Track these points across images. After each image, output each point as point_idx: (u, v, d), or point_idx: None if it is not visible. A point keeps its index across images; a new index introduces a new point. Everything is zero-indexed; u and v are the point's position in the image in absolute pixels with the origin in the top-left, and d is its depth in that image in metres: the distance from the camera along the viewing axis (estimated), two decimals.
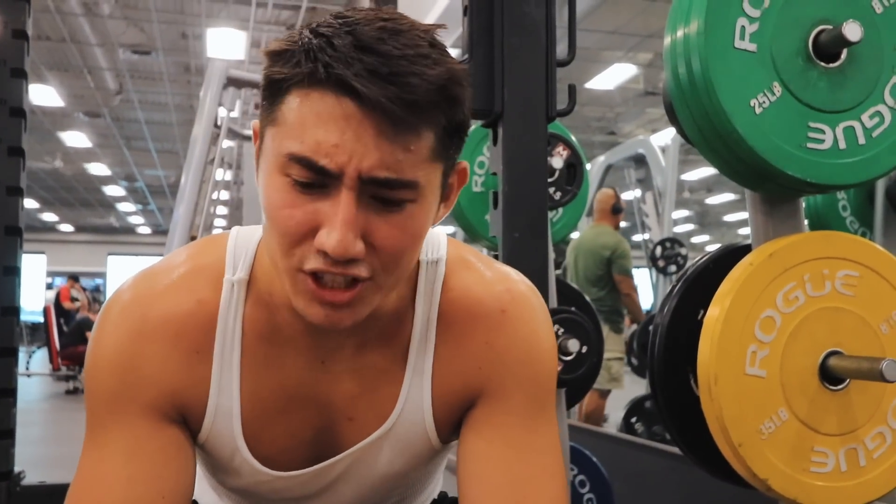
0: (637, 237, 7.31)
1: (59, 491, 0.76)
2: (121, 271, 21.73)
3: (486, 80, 1.40)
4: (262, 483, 0.85)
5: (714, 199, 16.52)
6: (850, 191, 1.92)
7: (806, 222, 1.36)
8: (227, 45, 8.34)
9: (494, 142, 1.50)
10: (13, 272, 2.06)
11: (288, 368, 0.81)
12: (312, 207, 0.67)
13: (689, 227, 19.44)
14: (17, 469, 2.10)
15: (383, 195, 0.67)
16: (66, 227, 22.77)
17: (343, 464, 0.85)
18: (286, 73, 0.66)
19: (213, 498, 0.98)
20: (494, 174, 1.49)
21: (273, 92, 0.68)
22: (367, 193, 0.67)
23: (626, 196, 6.00)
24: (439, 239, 0.87)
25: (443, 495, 1.05)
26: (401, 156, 0.66)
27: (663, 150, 6.20)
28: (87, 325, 9.33)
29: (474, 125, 2.40)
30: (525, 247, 1.41)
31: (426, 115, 0.66)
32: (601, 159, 6.72)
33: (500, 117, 1.44)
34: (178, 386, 0.79)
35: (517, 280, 0.86)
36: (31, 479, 2.16)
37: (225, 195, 11.65)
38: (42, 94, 10.04)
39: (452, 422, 0.85)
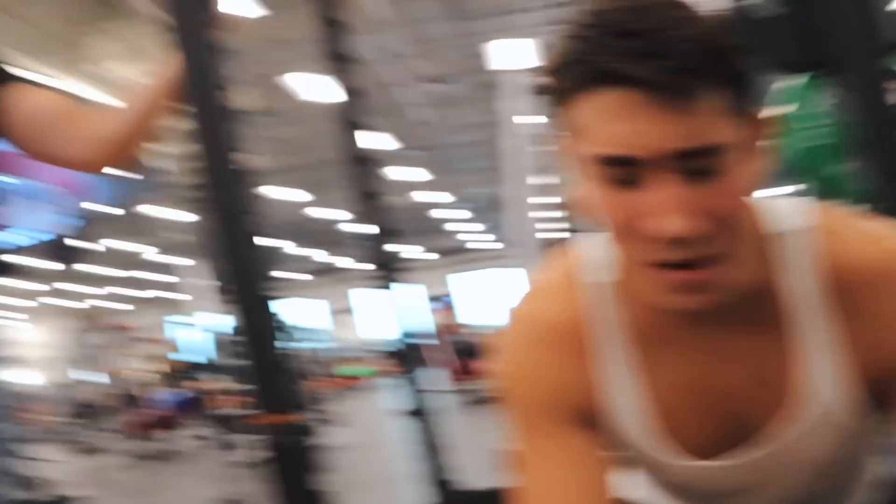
0: None
1: (488, 495, 0.90)
2: (462, 287, 23.38)
3: (814, 28, 1.30)
4: (690, 475, 0.86)
5: None
6: None
7: None
8: (514, 55, 8.76)
9: (841, 89, 1.39)
10: (408, 302, 2.44)
11: (681, 362, 0.82)
12: (633, 201, 0.69)
13: None
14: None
15: (695, 166, 0.67)
16: (419, 255, 25.08)
17: (763, 452, 0.83)
18: (562, 85, 0.70)
19: (658, 498, 0.98)
20: (835, 125, 1.43)
21: (559, 106, 0.71)
22: (679, 171, 0.67)
23: None
24: (795, 208, 0.82)
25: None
26: (695, 123, 0.66)
27: None
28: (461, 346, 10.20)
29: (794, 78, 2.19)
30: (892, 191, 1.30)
31: (702, 76, 0.66)
32: None
33: (837, 63, 1.33)
34: (575, 388, 0.84)
35: None
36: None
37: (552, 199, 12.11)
38: (379, 140, 11.32)
39: (880, 396, 0.80)
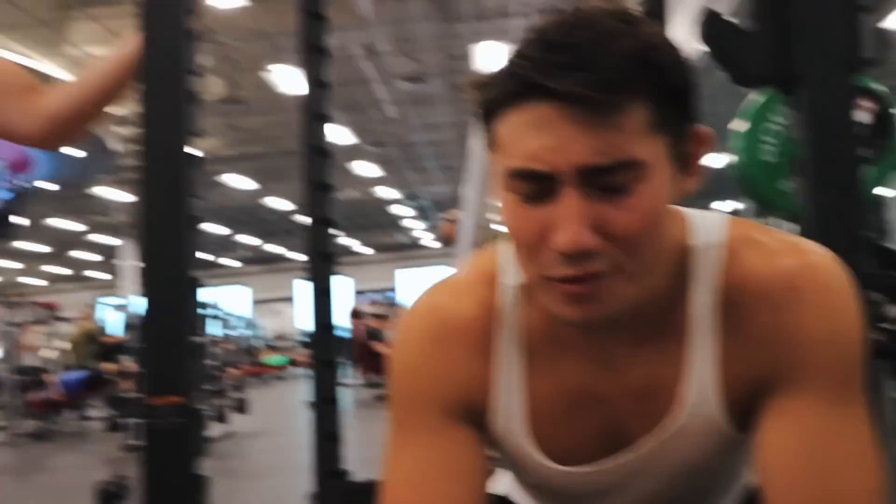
0: None
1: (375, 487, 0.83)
2: (409, 283, 23.40)
3: (781, 43, 1.32)
4: (554, 479, 0.86)
5: None
6: None
7: None
8: (493, 59, 8.64)
9: (792, 106, 1.40)
10: (327, 294, 2.32)
11: (569, 369, 0.82)
12: (541, 215, 0.68)
13: None
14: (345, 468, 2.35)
15: (605, 182, 0.66)
16: (366, 250, 24.99)
17: (634, 459, 0.83)
18: (491, 99, 0.69)
19: (522, 496, 0.99)
20: (793, 140, 1.40)
21: (487, 120, 0.70)
22: (589, 186, 0.66)
23: None
24: (715, 222, 0.81)
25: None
26: (612, 138, 0.65)
27: None
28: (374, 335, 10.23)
29: (756, 92, 2.27)
30: (835, 213, 1.32)
31: (627, 90, 0.64)
32: None
33: (798, 81, 1.34)
34: (467, 385, 0.82)
35: (810, 251, 0.77)
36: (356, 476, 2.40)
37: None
38: (338, 133, 11.12)
39: (747, 410, 0.79)
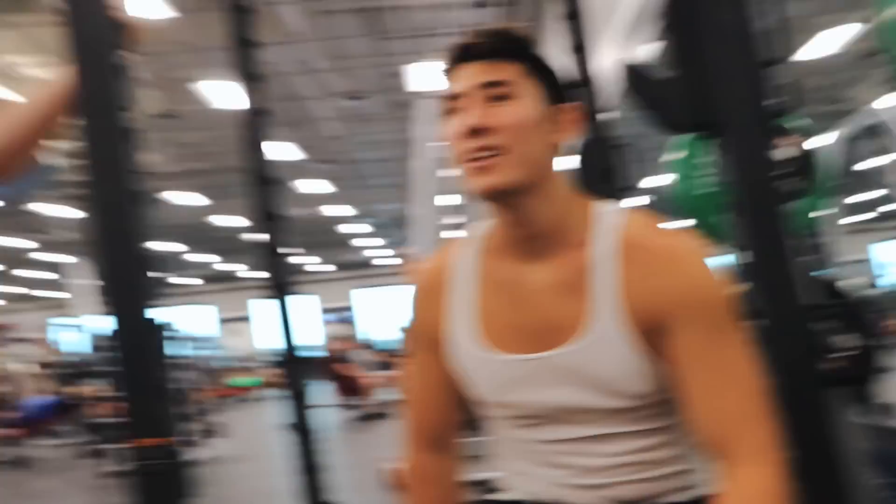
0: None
1: None
2: (364, 302, 23.25)
3: (700, 92, 1.38)
4: (497, 371, 1.15)
5: None
6: None
7: None
8: (428, 77, 8.80)
9: (718, 152, 1.45)
10: (286, 319, 2.41)
11: (508, 273, 1.15)
12: (461, 120, 1.09)
13: None
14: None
15: (493, 93, 1.08)
16: (325, 268, 24.84)
17: (557, 356, 1.11)
18: (446, 66, 1.15)
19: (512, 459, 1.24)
20: (721, 182, 1.46)
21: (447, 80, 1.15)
22: (482, 96, 1.09)
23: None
24: (611, 203, 1.16)
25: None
26: (498, 72, 1.09)
27: None
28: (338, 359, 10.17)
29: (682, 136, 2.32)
30: (769, 249, 1.36)
31: (508, 55, 1.11)
32: (838, 133, 6.12)
33: (720, 127, 1.39)
34: (429, 321, 1.22)
35: (686, 237, 1.11)
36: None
37: (455, 220, 12.17)
38: (284, 150, 11.10)
39: (646, 337, 1.07)
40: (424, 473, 1.29)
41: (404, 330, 1.30)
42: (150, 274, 1.44)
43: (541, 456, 1.15)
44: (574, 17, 2.52)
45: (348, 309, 24.02)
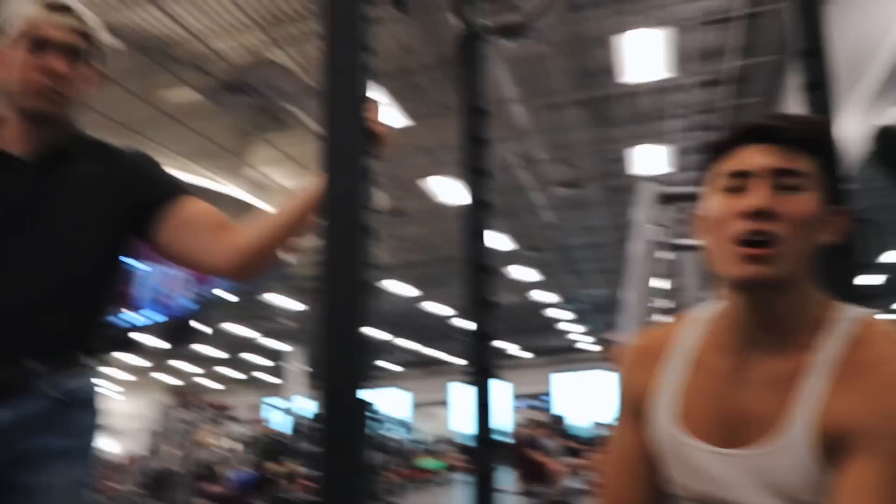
0: None
1: None
2: (565, 387, 22.82)
3: None
4: (687, 455, 1.09)
5: None
6: None
7: None
8: (650, 161, 8.57)
9: None
10: (485, 407, 2.35)
11: (717, 374, 1.09)
12: (738, 201, 1.02)
13: None
14: None
15: (783, 182, 1.02)
16: (522, 353, 24.77)
17: (742, 458, 1.04)
18: (725, 141, 1.09)
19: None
20: None
21: (712, 158, 1.10)
22: (771, 182, 1.02)
23: None
24: (859, 310, 1.07)
25: None
26: (789, 160, 1.03)
27: None
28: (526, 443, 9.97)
29: None
30: None
31: (801, 148, 1.04)
32: None
33: None
34: (642, 385, 1.16)
35: None
36: None
37: (665, 303, 11.74)
38: (496, 240, 11.30)
39: (833, 453, 0.98)
40: None
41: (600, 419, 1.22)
42: (365, 357, 1.46)
43: None
44: (817, 88, 2.24)
45: (544, 395, 23.63)
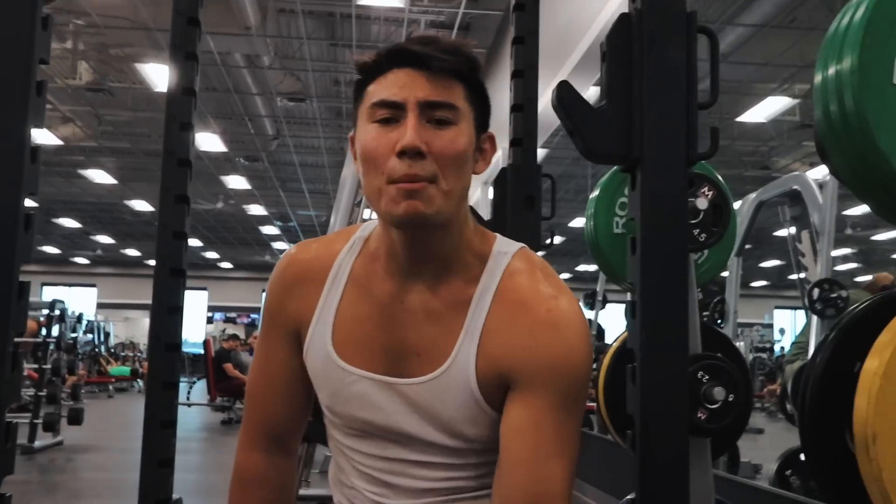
0: (793, 276, 6.90)
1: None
2: None
3: (624, 124, 1.35)
4: (342, 380, 1.08)
5: (882, 236, 15.38)
6: None
7: None
8: None
9: (633, 187, 1.47)
10: (176, 311, 2.17)
11: (376, 300, 1.08)
12: (392, 135, 0.98)
13: (852, 265, 18.17)
14: (175, 496, 2.21)
15: (434, 115, 0.99)
16: (226, 265, 24.21)
17: (408, 390, 1.05)
18: (372, 65, 1.02)
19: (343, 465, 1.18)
20: (633, 219, 1.45)
21: (362, 84, 1.04)
22: (425, 117, 0.98)
23: (781, 233, 5.66)
24: (515, 244, 1.10)
25: None
26: (441, 90, 0.99)
27: (821, 185, 5.85)
28: (224, 358, 9.93)
29: (614, 169, 2.39)
30: (664, 293, 1.34)
31: (454, 72, 1.00)
32: (752, 196, 6.43)
33: (637, 162, 1.41)
34: (299, 309, 1.12)
35: (567, 297, 1.05)
36: None
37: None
38: (207, 141, 10.81)
39: (493, 388, 1.03)
40: (251, 474, 1.19)
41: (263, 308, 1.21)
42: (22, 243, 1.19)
43: (364, 469, 1.12)
44: (520, 42, 2.47)
45: (256, 310, 23.43)
